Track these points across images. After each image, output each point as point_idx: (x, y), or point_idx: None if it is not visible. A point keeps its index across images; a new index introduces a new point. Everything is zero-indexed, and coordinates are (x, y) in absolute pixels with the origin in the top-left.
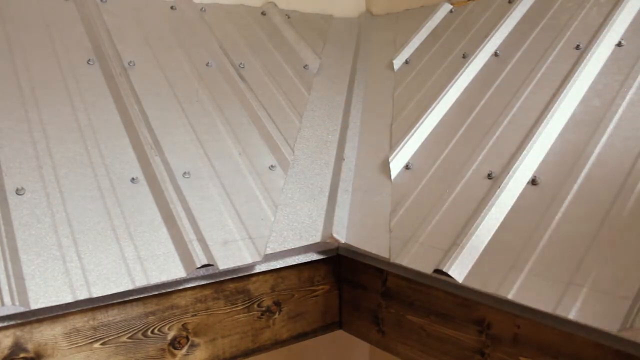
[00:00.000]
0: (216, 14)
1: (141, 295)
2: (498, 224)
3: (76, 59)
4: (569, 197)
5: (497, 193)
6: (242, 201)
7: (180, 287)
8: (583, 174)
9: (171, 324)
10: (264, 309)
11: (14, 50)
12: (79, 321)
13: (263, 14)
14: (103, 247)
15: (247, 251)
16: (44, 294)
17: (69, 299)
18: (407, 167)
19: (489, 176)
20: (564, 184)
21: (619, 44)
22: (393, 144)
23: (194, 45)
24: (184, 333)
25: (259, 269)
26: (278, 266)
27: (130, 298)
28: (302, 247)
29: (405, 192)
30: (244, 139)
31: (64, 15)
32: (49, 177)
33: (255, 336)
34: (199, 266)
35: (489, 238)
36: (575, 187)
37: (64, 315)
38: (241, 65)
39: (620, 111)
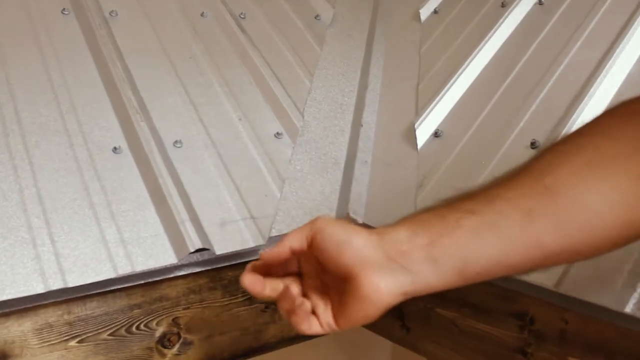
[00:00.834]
0: None
1: (125, 285)
2: None
3: (48, 8)
4: None
5: None
6: (243, 175)
7: (171, 276)
8: None
9: (160, 318)
10: (268, 301)
11: None
12: (52, 315)
13: None
14: (80, 229)
15: (248, 233)
16: (10, 284)
17: (40, 289)
18: (436, 134)
19: (532, 145)
20: None
21: None
22: (419, 108)
23: None
24: (175, 329)
25: None
26: None
27: (112, 288)
28: None
29: (433, 163)
30: (245, 102)
31: None
32: (17, 147)
33: (259, 333)
34: (192, 251)
35: None
36: None
37: (34, 309)
38: (242, 16)
39: None
